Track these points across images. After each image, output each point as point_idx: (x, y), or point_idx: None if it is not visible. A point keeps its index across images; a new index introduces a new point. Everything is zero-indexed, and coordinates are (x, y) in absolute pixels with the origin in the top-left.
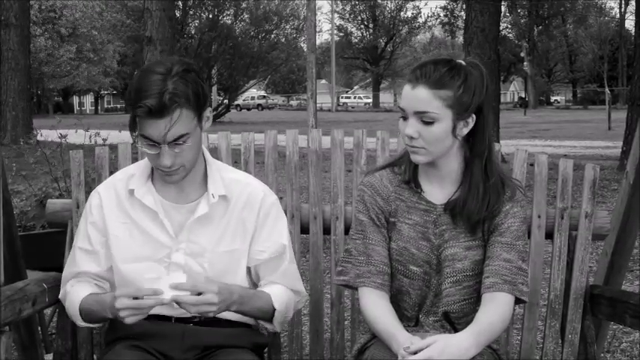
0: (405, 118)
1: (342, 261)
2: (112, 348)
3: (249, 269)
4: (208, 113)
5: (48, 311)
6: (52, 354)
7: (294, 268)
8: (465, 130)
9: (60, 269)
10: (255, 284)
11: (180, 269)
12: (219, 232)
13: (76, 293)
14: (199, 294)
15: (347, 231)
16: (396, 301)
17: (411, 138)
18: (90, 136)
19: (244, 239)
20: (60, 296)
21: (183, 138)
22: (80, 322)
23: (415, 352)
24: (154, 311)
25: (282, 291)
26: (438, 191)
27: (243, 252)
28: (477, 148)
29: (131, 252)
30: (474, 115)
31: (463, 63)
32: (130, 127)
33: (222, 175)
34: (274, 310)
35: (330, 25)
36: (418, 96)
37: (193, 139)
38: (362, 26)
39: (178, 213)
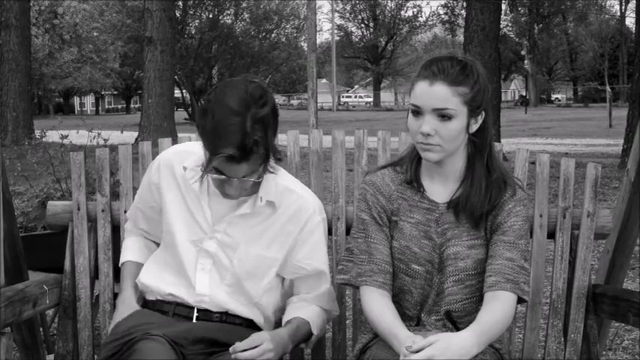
0: (416, 116)
1: (343, 260)
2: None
3: (283, 278)
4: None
5: (50, 312)
6: (53, 355)
7: (332, 289)
8: (475, 127)
9: (61, 270)
10: (287, 293)
11: (210, 257)
12: (257, 234)
13: (125, 246)
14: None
15: (348, 231)
16: (398, 300)
17: (428, 135)
18: (93, 137)
19: (281, 249)
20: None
21: (253, 174)
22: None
23: (417, 351)
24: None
25: (318, 314)
26: (441, 190)
27: (275, 261)
28: (480, 145)
29: (174, 223)
30: (483, 112)
31: (469, 61)
32: (206, 163)
33: (277, 182)
34: (312, 334)
35: (331, 25)
36: (437, 92)
37: (260, 169)
38: (362, 25)
39: (222, 204)
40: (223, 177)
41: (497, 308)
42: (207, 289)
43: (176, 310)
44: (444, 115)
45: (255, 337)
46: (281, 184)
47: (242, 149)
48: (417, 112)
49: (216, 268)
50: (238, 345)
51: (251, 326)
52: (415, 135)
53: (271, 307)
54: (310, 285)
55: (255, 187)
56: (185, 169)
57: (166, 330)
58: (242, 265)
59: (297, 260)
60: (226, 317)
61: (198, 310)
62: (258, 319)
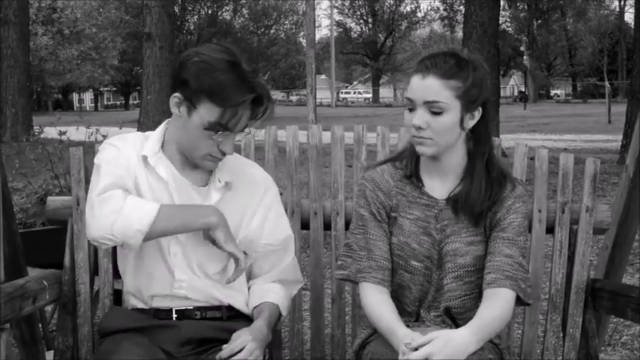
0: (411, 110)
1: (342, 255)
2: (109, 338)
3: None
4: None
5: (49, 308)
6: (52, 351)
7: (295, 261)
8: (471, 123)
9: (60, 266)
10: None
11: (179, 245)
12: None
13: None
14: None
15: (347, 226)
16: (397, 296)
17: (419, 128)
18: (91, 133)
19: (247, 229)
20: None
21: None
22: (138, 233)
23: (416, 349)
24: (155, 305)
25: (284, 295)
26: (440, 186)
27: (243, 240)
28: (481, 143)
29: None
30: (480, 109)
31: (469, 57)
32: (210, 124)
33: (225, 161)
34: (280, 316)
35: (330, 21)
36: (428, 85)
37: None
38: (361, 21)
39: (186, 192)
40: (226, 132)
41: (496, 305)
42: (185, 274)
43: (155, 314)
44: (435, 108)
45: (238, 342)
46: (229, 162)
47: (256, 92)
48: (411, 105)
49: (185, 257)
50: (223, 352)
51: (233, 317)
52: (409, 128)
53: (244, 287)
54: (272, 261)
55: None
56: (145, 157)
57: (151, 336)
58: (212, 252)
59: (263, 238)
60: (206, 313)
61: (177, 311)
62: (237, 302)
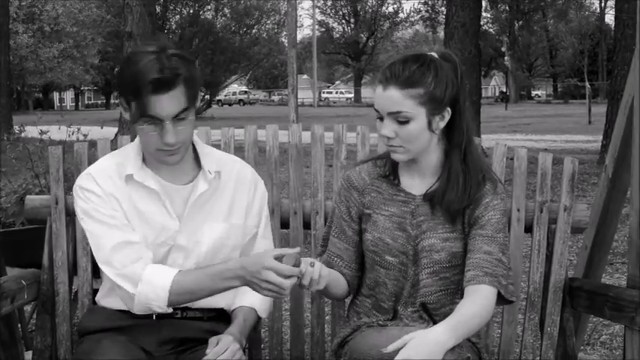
0: (381, 119)
1: (321, 246)
2: (88, 337)
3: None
4: (199, 93)
5: (28, 308)
6: (32, 351)
7: (269, 244)
8: (442, 124)
9: (39, 266)
10: None
11: (182, 250)
12: (214, 208)
13: (156, 276)
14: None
15: None
16: (374, 293)
17: (389, 138)
18: (72, 132)
19: (239, 215)
20: (126, 288)
21: (184, 113)
22: (161, 307)
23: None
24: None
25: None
26: (419, 183)
27: (239, 228)
28: (455, 139)
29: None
30: (449, 109)
31: (435, 56)
32: (134, 117)
33: (206, 151)
34: (259, 319)
35: (312, 20)
36: (390, 97)
37: (192, 114)
38: (343, 21)
39: (178, 194)
40: (155, 122)
41: (476, 302)
42: None
43: (134, 314)
44: (400, 118)
45: (221, 344)
46: (211, 153)
47: (163, 75)
48: (379, 115)
49: (189, 258)
50: (209, 356)
51: (213, 317)
52: (381, 137)
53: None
54: (248, 250)
55: (189, 131)
56: (131, 176)
57: (131, 335)
58: (212, 243)
59: (249, 219)
60: (186, 313)
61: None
62: (219, 304)
